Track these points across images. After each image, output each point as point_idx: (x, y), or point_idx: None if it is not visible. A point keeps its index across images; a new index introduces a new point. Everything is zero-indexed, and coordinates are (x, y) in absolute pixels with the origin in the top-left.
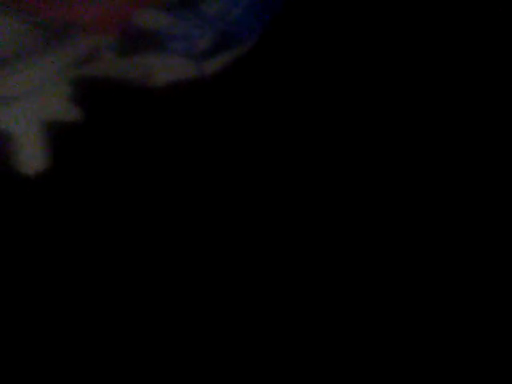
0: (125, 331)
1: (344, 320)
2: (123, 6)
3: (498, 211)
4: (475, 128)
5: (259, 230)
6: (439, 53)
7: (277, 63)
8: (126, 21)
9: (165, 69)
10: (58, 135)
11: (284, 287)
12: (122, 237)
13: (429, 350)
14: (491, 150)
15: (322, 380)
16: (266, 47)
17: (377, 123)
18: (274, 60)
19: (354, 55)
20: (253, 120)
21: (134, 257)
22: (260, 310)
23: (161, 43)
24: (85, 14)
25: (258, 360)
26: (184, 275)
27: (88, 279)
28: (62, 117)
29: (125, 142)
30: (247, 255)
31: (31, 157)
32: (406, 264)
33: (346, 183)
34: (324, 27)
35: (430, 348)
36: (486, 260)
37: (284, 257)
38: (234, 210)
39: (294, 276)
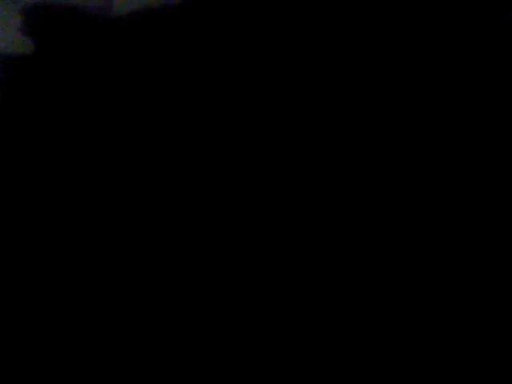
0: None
1: (344, 319)
2: None
3: (497, 210)
4: (475, 127)
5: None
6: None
7: None
8: None
9: None
10: (12, 69)
11: (284, 286)
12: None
13: (428, 350)
14: (491, 150)
15: (322, 380)
16: None
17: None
18: None
19: None
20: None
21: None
22: (260, 310)
23: None
24: None
25: (258, 359)
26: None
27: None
28: (16, 49)
29: (82, 74)
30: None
31: None
32: (406, 263)
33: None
34: None
35: (429, 347)
36: (486, 259)
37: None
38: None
39: (293, 274)
